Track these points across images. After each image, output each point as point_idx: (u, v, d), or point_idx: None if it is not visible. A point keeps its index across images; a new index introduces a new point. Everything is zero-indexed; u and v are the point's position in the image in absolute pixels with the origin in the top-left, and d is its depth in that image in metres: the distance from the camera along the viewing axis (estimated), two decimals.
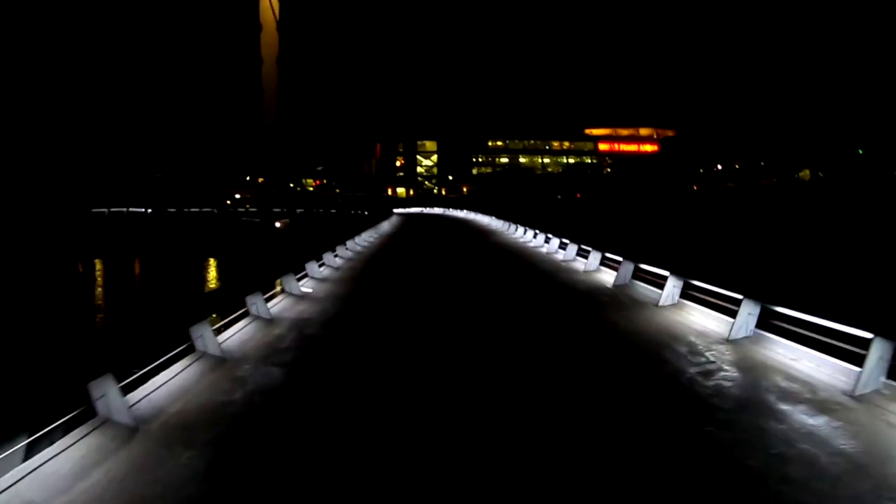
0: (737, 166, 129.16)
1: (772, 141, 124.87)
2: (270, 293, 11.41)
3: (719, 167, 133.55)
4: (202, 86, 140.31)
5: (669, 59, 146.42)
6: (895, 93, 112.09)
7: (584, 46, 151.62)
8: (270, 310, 10.37)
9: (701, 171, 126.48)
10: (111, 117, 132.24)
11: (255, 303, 9.90)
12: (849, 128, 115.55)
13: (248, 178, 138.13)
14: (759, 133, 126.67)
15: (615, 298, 11.33)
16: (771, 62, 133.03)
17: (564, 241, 17.97)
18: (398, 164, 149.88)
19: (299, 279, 13.47)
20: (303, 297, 11.90)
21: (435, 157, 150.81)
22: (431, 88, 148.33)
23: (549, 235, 19.94)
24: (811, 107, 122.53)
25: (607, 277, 13.42)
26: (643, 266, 12.04)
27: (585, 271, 14.54)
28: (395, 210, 73.41)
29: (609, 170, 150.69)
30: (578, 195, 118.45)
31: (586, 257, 15.58)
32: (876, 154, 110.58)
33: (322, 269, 15.42)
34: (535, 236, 23.21)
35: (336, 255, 17.80)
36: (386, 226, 37.44)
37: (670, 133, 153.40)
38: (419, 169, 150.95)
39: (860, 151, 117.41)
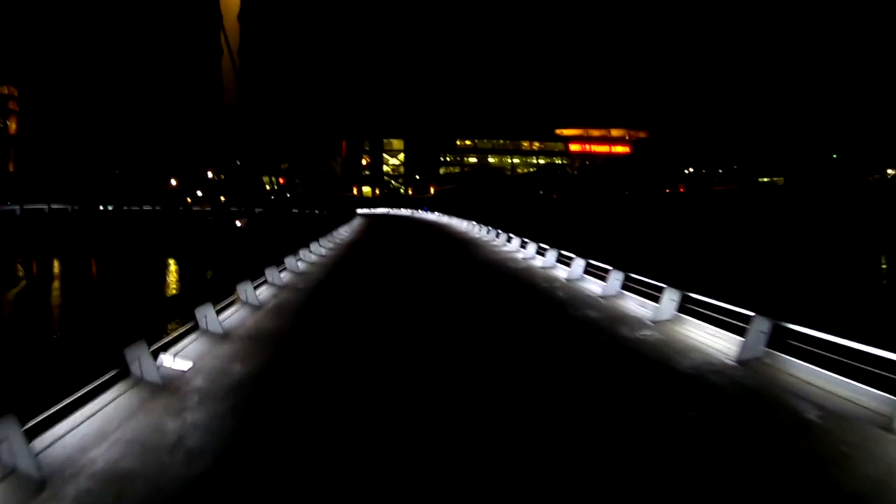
0: (703, 171, 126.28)
1: (746, 144, 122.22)
2: (113, 372, 5.66)
3: (690, 170, 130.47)
4: (159, 78, 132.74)
5: (643, 60, 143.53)
6: (870, 97, 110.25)
7: (555, 46, 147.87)
8: (74, 434, 4.64)
9: (686, 171, 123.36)
10: (64, 111, 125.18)
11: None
12: (823, 132, 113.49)
13: (210, 175, 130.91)
14: (733, 136, 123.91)
15: (775, 403, 5.75)
16: (745, 65, 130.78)
17: (598, 264, 12.32)
18: (364, 162, 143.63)
19: (174, 343, 7.65)
20: (162, 389, 6.09)
21: (402, 156, 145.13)
22: (399, 85, 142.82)
23: (573, 255, 13.88)
24: (786, 110, 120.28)
25: (710, 339, 7.79)
26: (786, 325, 6.59)
27: (656, 321, 8.93)
28: (360, 211, 67.46)
29: (575, 171, 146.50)
30: (554, 196, 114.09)
31: (643, 295, 10.11)
32: (850, 159, 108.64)
33: (233, 312, 9.63)
34: (540, 252, 17.49)
35: (262, 285, 12.01)
36: (345, 232, 31.49)
37: (642, 135, 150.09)
38: (385, 168, 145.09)
39: (834, 156, 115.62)
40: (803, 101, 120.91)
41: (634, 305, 10.15)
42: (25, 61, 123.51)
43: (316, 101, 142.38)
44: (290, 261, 14.74)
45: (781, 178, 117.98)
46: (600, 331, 8.79)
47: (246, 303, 10.29)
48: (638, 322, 9.09)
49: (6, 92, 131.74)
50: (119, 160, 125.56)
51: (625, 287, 10.99)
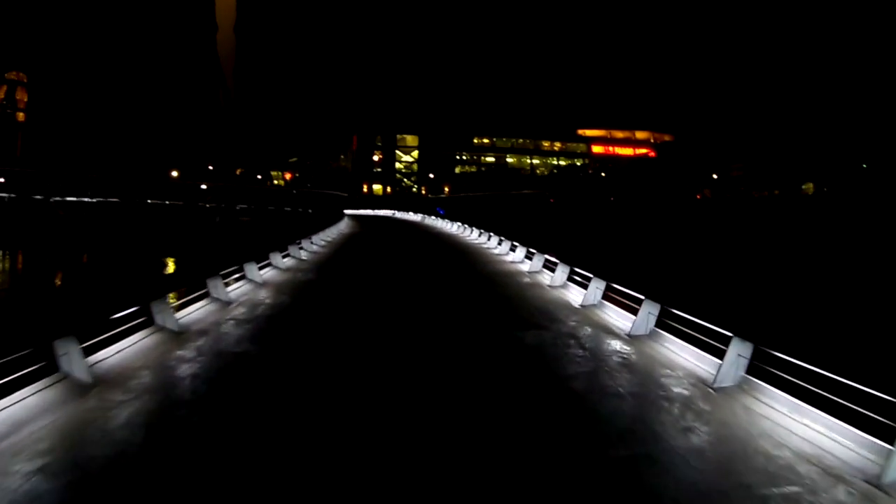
0: (735, 175, 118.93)
1: (773, 152, 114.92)
2: None
3: (714, 176, 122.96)
4: (161, 69, 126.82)
5: (669, 62, 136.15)
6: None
7: (580, 43, 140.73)
8: None
9: (714, 176, 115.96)
10: (71, 99, 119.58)
11: None
12: (853, 140, 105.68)
13: (210, 168, 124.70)
14: (760, 143, 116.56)
15: None
16: (774, 70, 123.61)
17: None
18: (376, 158, 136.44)
19: None
20: None
21: (416, 153, 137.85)
22: (415, 77, 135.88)
23: None
24: (814, 117, 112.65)
25: None
26: None
27: None
28: (353, 212, 57.99)
29: (604, 173, 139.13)
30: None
31: None
32: (880, 169, 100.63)
33: None
34: None
35: None
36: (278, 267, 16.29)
37: (667, 138, 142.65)
38: (398, 165, 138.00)
39: (864, 166, 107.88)
40: (834, 107, 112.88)
41: None
42: (35, 48, 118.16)
43: (327, 93, 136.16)
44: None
45: (810, 186, 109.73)
46: None
47: None
48: None
49: (15, 77, 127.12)
50: (121, 149, 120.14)
51: None
